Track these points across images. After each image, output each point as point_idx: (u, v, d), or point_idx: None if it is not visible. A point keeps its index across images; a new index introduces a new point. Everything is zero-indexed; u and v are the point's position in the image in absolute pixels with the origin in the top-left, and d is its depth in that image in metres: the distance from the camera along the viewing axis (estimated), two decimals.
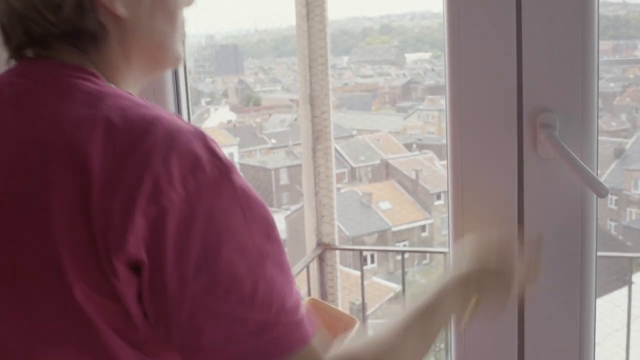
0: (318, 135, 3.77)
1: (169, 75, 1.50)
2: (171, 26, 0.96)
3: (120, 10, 0.89)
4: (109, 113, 0.80)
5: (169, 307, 0.77)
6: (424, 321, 0.95)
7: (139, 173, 0.76)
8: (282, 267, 0.83)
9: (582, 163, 1.16)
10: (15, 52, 0.92)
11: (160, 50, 0.96)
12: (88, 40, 0.89)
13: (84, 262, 0.77)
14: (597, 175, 1.19)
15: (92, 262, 0.76)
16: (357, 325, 1.56)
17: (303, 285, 3.68)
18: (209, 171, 0.79)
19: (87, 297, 0.78)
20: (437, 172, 17.87)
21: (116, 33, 0.90)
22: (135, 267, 0.77)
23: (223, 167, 0.80)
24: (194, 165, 0.78)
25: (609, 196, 1.14)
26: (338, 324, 1.58)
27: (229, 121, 20.40)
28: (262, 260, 0.80)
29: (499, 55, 1.23)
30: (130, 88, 0.94)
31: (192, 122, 1.60)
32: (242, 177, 0.83)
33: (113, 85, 0.89)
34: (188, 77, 1.60)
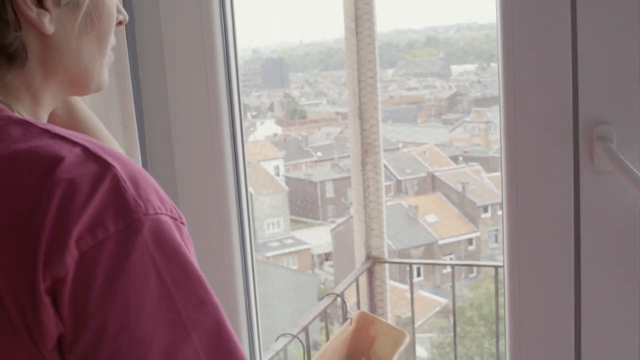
0: (367, 148, 3.77)
1: (222, 90, 1.52)
2: (100, 49, 0.87)
3: (49, 28, 0.79)
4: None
5: None
6: None
7: (35, 242, 0.66)
8: (220, 338, 0.71)
9: None
10: None
11: (85, 74, 0.87)
12: (1, 59, 0.79)
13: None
14: None
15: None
16: (407, 338, 1.55)
17: (352, 298, 3.68)
18: (112, 225, 0.67)
19: None
20: (484, 184, 17.67)
21: (37, 52, 0.81)
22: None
23: (132, 218, 0.68)
24: (94, 219, 0.67)
25: None
26: (388, 337, 1.57)
27: (275, 134, 20.50)
28: (187, 337, 0.69)
29: (554, 67, 1.22)
30: (42, 111, 0.87)
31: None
32: (169, 225, 0.71)
33: (17, 113, 0.80)
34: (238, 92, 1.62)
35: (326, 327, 3.35)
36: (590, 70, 1.20)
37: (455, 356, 4.08)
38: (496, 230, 16.98)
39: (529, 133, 1.25)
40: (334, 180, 19.16)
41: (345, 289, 3.59)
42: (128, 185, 0.70)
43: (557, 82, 1.22)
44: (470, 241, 17.87)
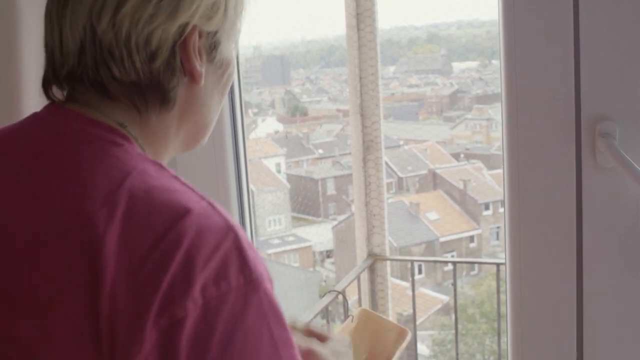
0: (368, 145, 3.78)
1: None
2: (219, 106, 0.92)
3: (202, 80, 0.84)
4: (133, 195, 0.73)
5: None
6: None
7: (156, 277, 0.68)
8: None
9: None
10: (56, 78, 0.82)
11: (206, 128, 0.92)
12: (155, 101, 0.82)
13: None
14: None
15: None
16: (409, 336, 1.55)
17: (353, 296, 3.68)
18: (234, 280, 0.70)
19: None
20: (485, 182, 17.69)
21: (182, 101, 0.84)
22: None
23: (252, 277, 0.72)
24: (218, 271, 0.70)
25: None
26: (389, 335, 1.57)
27: (276, 132, 20.53)
28: None
29: (556, 63, 1.21)
30: (165, 158, 0.90)
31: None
32: (272, 289, 0.75)
33: (146, 153, 0.83)
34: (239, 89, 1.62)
35: (328, 324, 3.35)
36: (592, 67, 1.20)
37: (457, 353, 4.08)
38: (498, 227, 17.00)
39: (531, 130, 1.24)
40: (335, 177, 19.22)
41: (346, 286, 3.59)
42: (248, 246, 0.74)
43: (560, 79, 1.21)
44: (471, 239, 17.90)
